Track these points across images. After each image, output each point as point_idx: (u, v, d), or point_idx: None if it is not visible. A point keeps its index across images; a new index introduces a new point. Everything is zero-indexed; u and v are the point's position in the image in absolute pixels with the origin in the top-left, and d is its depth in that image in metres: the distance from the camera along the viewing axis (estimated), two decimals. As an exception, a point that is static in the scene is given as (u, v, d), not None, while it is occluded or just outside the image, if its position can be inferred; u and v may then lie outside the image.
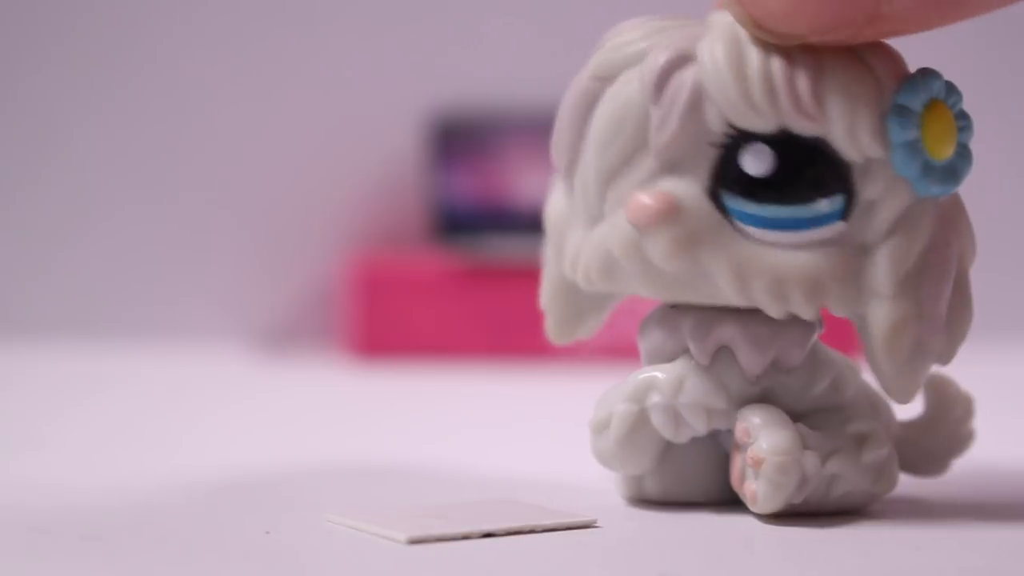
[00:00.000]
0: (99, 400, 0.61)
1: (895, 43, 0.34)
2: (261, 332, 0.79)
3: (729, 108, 0.34)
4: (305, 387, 0.68)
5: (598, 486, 0.38)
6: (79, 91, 0.78)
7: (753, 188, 0.34)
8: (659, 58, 0.34)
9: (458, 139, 0.77)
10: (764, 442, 0.34)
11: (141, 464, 0.46)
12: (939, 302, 0.35)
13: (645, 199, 0.34)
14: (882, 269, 0.34)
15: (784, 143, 0.34)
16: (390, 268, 0.75)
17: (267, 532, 0.34)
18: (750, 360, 0.35)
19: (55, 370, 0.70)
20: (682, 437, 0.36)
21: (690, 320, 0.36)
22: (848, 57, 0.34)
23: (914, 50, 0.35)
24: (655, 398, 0.35)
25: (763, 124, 0.34)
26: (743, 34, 0.34)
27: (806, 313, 0.34)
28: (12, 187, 0.78)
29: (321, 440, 0.51)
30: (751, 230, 0.34)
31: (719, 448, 0.36)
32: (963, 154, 0.34)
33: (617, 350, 0.71)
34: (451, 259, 0.74)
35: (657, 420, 0.36)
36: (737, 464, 0.35)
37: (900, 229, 0.34)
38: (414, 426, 0.56)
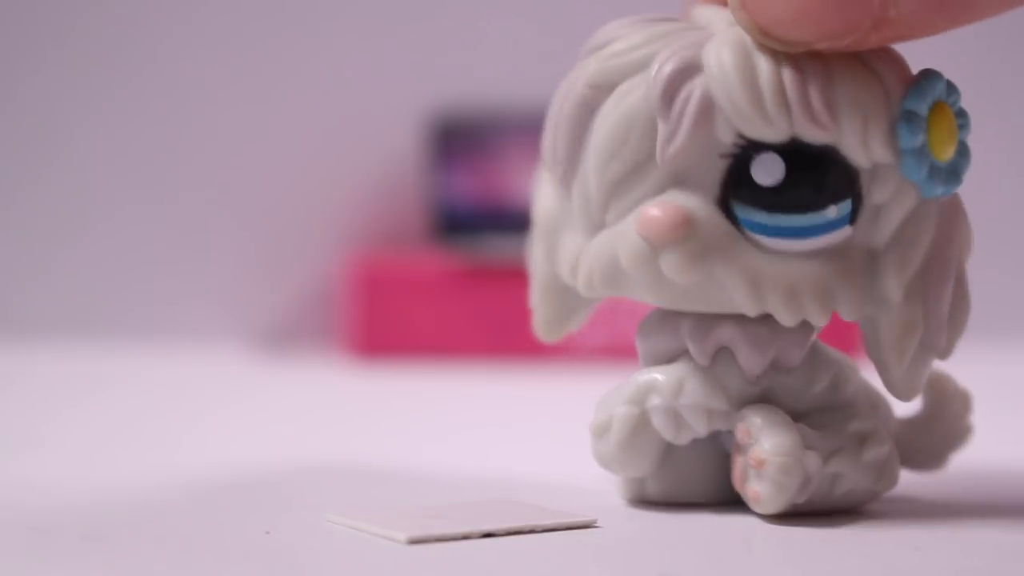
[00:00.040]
0: (99, 400, 0.61)
1: (896, 45, 0.34)
2: (261, 332, 0.79)
3: (740, 119, 0.33)
4: (305, 387, 0.68)
5: (598, 487, 0.38)
6: (79, 91, 0.78)
7: (763, 197, 0.34)
8: (665, 69, 0.34)
9: (458, 139, 0.77)
10: (766, 443, 0.34)
11: (141, 464, 0.46)
12: (943, 302, 0.35)
13: (656, 212, 0.34)
14: (891, 273, 0.34)
15: (794, 152, 0.34)
16: (390, 268, 0.75)
17: (267, 532, 0.34)
18: (750, 360, 0.35)
19: (55, 370, 0.70)
20: (683, 439, 0.36)
21: (689, 321, 0.35)
22: (855, 64, 0.34)
23: (911, 50, 0.35)
24: (655, 400, 0.35)
25: (774, 134, 0.33)
26: (748, 40, 0.34)
27: (820, 321, 0.34)
28: (12, 187, 0.78)
29: (321, 440, 0.51)
30: (762, 239, 0.34)
31: (719, 449, 0.36)
32: (963, 152, 0.34)
33: (616, 350, 0.71)
34: (451, 259, 0.74)
35: (658, 422, 0.35)
36: (739, 465, 0.35)
37: (906, 232, 0.34)
38: (414, 426, 0.56)
